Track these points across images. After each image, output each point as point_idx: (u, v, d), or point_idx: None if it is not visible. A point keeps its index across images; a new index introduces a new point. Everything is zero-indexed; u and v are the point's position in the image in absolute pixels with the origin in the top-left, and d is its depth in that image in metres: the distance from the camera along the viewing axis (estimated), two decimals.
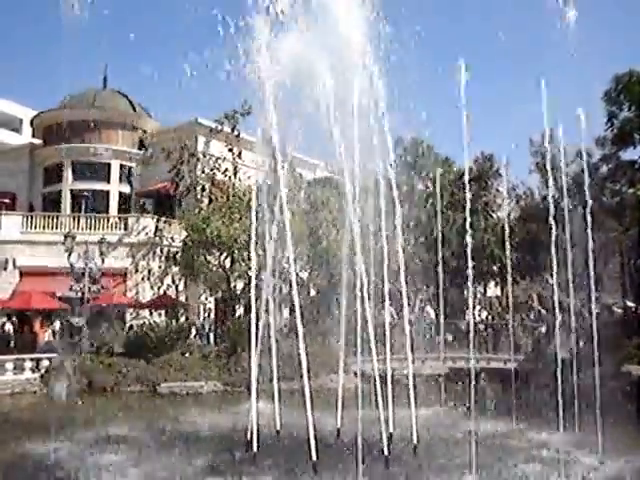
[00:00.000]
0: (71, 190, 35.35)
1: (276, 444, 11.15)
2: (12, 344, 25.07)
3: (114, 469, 10.28)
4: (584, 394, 18.25)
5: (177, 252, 27.81)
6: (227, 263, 26.24)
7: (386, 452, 9.84)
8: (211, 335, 26.83)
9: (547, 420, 13.31)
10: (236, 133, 29.64)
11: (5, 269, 29.13)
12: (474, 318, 29.76)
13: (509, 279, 28.27)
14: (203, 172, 29.61)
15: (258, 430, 10.30)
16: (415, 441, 10.67)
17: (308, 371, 10.30)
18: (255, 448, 10.01)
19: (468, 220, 17.32)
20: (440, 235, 24.79)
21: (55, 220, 30.87)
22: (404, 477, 9.77)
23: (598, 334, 23.59)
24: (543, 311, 27.76)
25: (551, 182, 17.63)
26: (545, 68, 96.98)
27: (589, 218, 15.69)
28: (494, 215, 35.77)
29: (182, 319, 28.41)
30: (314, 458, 9.16)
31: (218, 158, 29.65)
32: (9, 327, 26.26)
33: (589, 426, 12.39)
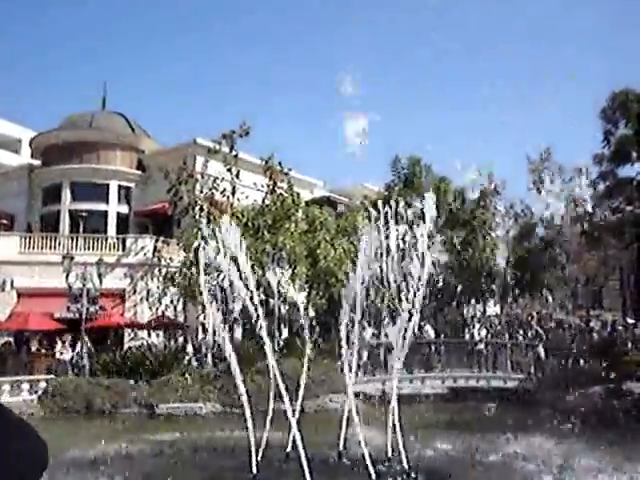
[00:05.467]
0: (69, 210, 35.32)
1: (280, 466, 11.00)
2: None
3: None
4: (585, 412, 18.15)
5: (175, 272, 27.72)
6: (225, 283, 26.11)
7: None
8: (209, 356, 26.65)
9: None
10: (234, 153, 29.67)
11: (3, 290, 28.99)
12: (473, 337, 29.67)
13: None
14: (201, 192, 29.60)
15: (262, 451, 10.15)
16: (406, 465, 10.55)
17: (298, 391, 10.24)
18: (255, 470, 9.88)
19: None
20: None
21: (53, 241, 30.80)
22: None
23: (598, 352, 23.57)
24: (540, 330, 27.64)
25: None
26: (543, 87, 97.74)
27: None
28: (492, 233, 35.76)
29: (180, 340, 28.27)
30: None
31: (216, 178, 29.64)
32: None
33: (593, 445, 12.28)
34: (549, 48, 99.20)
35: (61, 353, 25.25)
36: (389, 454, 11.01)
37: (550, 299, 34.79)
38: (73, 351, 24.80)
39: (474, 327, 31.63)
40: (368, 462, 9.98)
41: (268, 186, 29.03)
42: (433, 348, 26.30)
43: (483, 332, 30.19)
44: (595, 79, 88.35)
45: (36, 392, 21.28)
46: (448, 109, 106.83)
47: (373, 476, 10.20)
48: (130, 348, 25.80)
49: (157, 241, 30.81)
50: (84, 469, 11.81)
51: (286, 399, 10.09)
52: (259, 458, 10.18)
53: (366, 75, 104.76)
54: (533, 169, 37.57)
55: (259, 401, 12.18)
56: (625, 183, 29.01)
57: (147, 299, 29.25)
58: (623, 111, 28.01)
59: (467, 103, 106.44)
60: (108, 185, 35.99)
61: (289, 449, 11.35)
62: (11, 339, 27.74)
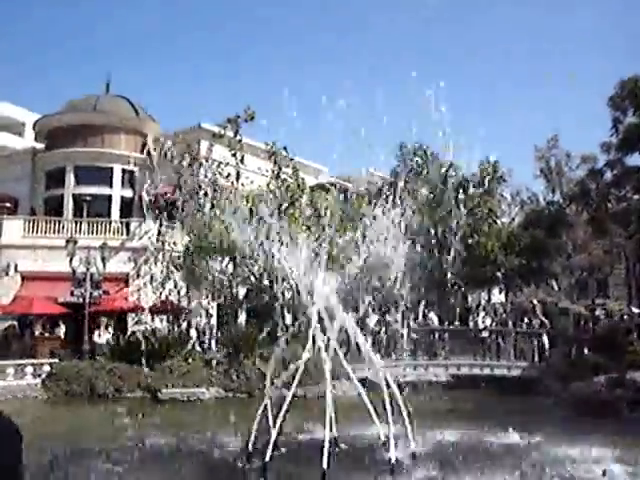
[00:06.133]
0: (73, 194, 35.22)
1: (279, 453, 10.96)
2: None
3: None
4: (588, 402, 18.09)
5: (179, 257, 27.67)
6: (229, 268, 26.08)
7: (392, 459, 9.65)
8: (213, 341, 26.70)
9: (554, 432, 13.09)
10: (239, 138, 29.51)
11: (7, 274, 28.99)
12: (477, 324, 29.62)
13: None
14: (206, 177, 29.47)
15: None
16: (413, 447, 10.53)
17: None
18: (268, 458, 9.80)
19: None
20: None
21: (57, 224, 30.76)
22: None
23: (603, 341, 23.49)
24: (544, 319, 27.54)
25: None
26: (550, 72, 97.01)
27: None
28: (498, 221, 35.61)
29: (184, 325, 28.28)
30: (325, 466, 9.04)
31: (221, 163, 29.51)
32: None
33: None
34: (558, 31, 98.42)
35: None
36: (386, 440, 10.99)
37: (555, 287, 34.66)
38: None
39: (478, 315, 31.55)
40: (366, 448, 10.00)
41: (273, 171, 28.92)
42: (437, 335, 26.27)
43: (487, 320, 30.13)
44: (604, 64, 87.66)
45: (40, 376, 21.31)
46: (451, 92, 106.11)
47: (367, 461, 10.25)
48: (134, 332, 25.83)
49: (161, 226, 30.71)
50: (86, 453, 11.80)
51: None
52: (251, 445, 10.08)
53: (373, 60, 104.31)
54: (540, 156, 37.34)
55: (260, 386, 12.16)
56: (633, 172, 28.69)
57: (151, 283, 29.20)
58: (632, 99, 27.67)
59: (472, 87, 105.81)
60: (112, 169, 35.84)
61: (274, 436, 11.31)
62: (15, 323, 27.81)
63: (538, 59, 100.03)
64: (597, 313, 29.65)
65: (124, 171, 36.10)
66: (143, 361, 21.71)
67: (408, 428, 10.57)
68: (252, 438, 10.46)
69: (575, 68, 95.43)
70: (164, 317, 29.02)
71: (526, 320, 28.66)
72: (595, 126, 63.88)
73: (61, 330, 27.28)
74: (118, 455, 11.49)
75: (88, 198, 33.70)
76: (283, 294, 15.93)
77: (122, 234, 30.96)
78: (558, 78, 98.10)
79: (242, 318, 27.76)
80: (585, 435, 12.59)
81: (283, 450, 11.09)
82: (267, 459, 9.74)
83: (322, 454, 9.08)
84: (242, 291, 26.77)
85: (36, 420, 16.87)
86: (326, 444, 9.20)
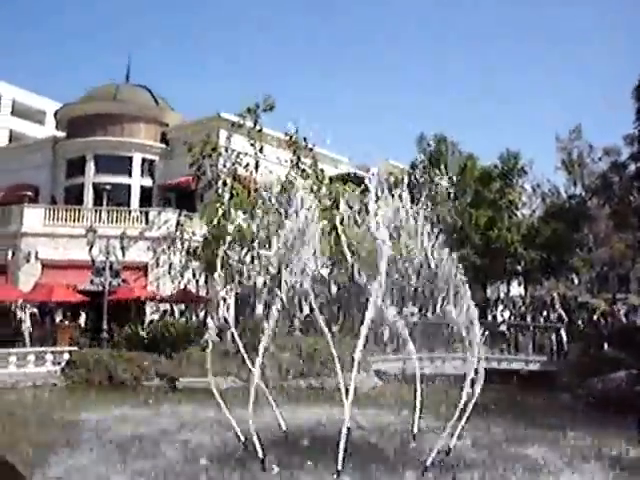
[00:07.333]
0: (93, 183, 35.43)
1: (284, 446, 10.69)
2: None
3: None
4: (607, 398, 17.89)
5: (198, 247, 27.73)
6: (248, 259, 26.08)
7: (429, 461, 9.07)
8: (229, 331, 26.74)
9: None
10: (258, 128, 29.44)
11: (27, 261, 29.28)
12: (496, 318, 29.38)
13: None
14: (225, 166, 29.47)
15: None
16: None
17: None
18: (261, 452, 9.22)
19: None
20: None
21: (77, 213, 30.97)
22: None
23: (622, 336, 23.19)
24: (563, 313, 27.23)
25: None
26: (574, 63, 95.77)
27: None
28: (518, 213, 35.28)
29: (202, 314, 28.37)
30: (339, 467, 8.37)
31: (240, 153, 29.48)
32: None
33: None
34: (581, 20, 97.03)
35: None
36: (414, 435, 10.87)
37: (576, 281, 34.33)
38: None
39: (497, 308, 31.31)
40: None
41: (292, 161, 28.81)
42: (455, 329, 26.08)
43: (506, 314, 29.87)
44: (630, 55, 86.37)
45: (59, 363, 21.54)
46: (474, 87, 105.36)
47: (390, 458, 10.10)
48: (152, 321, 25.97)
49: (180, 215, 30.80)
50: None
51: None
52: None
53: (392, 53, 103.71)
54: (562, 147, 36.93)
55: (277, 377, 12.08)
56: None
57: (169, 273, 29.33)
58: None
59: (492, 81, 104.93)
60: (132, 158, 36.01)
61: (284, 428, 11.13)
62: (35, 310, 28.08)
63: (561, 49, 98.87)
64: (617, 308, 29.28)
65: (144, 160, 36.26)
66: (161, 350, 21.87)
67: (450, 422, 10.01)
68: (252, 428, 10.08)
69: (600, 59, 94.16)
70: (182, 306, 29.14)
71: (545, 314, 28.38)
72: (619, 118, 62.89)
73: (82, 318, 27.51)
74: (120, 442, 11.55)
75: (108, 187, 33.87)
76: (300, 285, 15.86)
77: (141, 223, 31.11)
78: (580, 68, 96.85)
79: (260, 308, 27.78)
80: (602, 431, 12.47)
81: (288, 441, 10.90)
82: (260, 454, 9.16)
83: (337, 453, 8.40)
84: (260, 281, 26.74)
85: (54, 407, 17.09)
86: (342, 444, 8.43)
